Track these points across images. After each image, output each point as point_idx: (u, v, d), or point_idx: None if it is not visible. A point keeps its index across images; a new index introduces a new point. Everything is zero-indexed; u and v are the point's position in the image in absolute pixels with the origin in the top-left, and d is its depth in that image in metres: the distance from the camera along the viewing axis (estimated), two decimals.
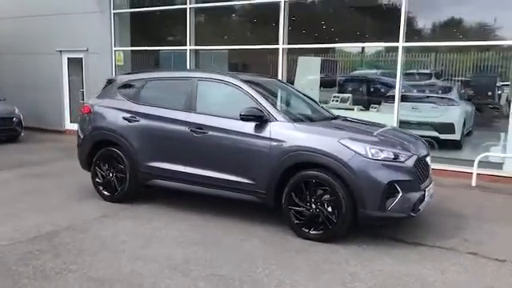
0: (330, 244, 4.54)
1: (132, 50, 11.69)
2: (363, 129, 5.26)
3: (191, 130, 5.25)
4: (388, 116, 8.38)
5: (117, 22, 11.51)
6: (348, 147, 4.48)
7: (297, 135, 4.75)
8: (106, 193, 5.94)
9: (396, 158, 4.49)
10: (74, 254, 4.18)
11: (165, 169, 5.48)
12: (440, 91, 10.06)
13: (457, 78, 9.61)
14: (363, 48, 10.27)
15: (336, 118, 5.73)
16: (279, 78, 9.15)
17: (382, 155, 4.45)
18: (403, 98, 8.74)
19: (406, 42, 8.25)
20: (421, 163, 4.74)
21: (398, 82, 8.40)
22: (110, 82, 6.33)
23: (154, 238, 4.66)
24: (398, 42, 8.27)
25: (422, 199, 4.63)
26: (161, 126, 5.52)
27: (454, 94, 9.85)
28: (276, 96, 5.54)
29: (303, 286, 3.66)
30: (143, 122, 5.63)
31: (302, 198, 4.68)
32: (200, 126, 5.22)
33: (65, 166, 8.22)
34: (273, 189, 4.82)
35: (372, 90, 10.74)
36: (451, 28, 9.17)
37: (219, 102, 5.50)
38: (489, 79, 10.12)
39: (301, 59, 9.75)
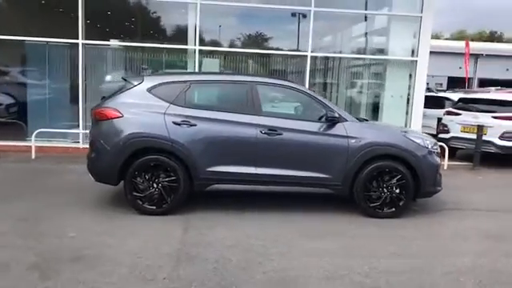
0: (398, 219, 5.68)
1: None
2: (398, 127, 6.54)
3: (264, 133, 5.46)
4: None
5: None
6: (413, 140, 5.72)
7: (370, 132, 5.70)
8: (148, 206, 5.41)
9: (434, 146, 5.97)
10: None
11: (232, 172, 5.48)
12: None
13: None
14: None
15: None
16: None
17: (430, 145, 5.87)
18: None
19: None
20: None
21: (307, 82, 9.89)
22: (130, 82, 5.66)
23: (294, 247, 4.73)
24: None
25: None
26: (225, 130, 5.47)
27: None
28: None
29: (444, 241, 4.79)
30: (202, 126, 5.43)
31: (374, 184, 5.65)
32: (273, 128, 5.49)
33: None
34: (349, 180, 5.61)
35: None
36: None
37: (285, 105, 5.83)
38: None
39: (205, 60, 10.08)
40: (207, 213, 5.57)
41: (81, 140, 9.59)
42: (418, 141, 5.75)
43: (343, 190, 5.65)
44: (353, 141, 5.56)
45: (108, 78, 10.10)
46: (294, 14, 10.29)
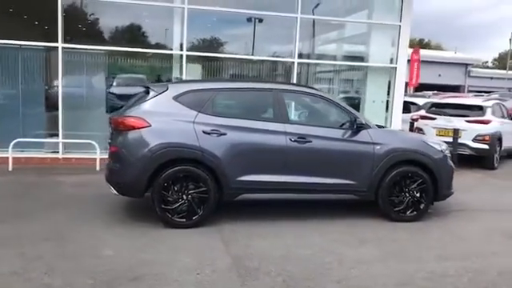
0: (419, 222, 5.84)
1: None
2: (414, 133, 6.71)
3: (294, 140, 5.43)
4: None
5: None
6: (431, 146, 5.93)
7: (392, 138, 5.85)
8: (178, 219, 5.19)
9: (446, 150, 6.21)
10: None
11: (262, 181, 5.39)
12: None
13: None
14: None
15: None
16: None
17: (445, 149, 6.11)
18: None
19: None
20: None
21: None
22: (153, 90, 5.41)
23: (347, 256, 4.81)
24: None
25: None
26: (254, 138, 5.37)
27: None
28: None
29: (468, 238, 5.02)
30: (232, 134, 5.30)
31: (397, 189, 5.78)
32: (302, 136, 5.47)
33: None
34: (375, 185, 5.71)
35: None
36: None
37: (311, 113, 5.84)
38: None
39: (189, 65, 9.84)
40: (235, 223, 5.44)
41: (60, 150, 9.01)
42: (435, 146, 5.97)
43: (369, 195, 5.74)
44: (378, 147, 5.66)
45: (55, 82, 9.53)
46: (249, 19, 10.28)
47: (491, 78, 47.36)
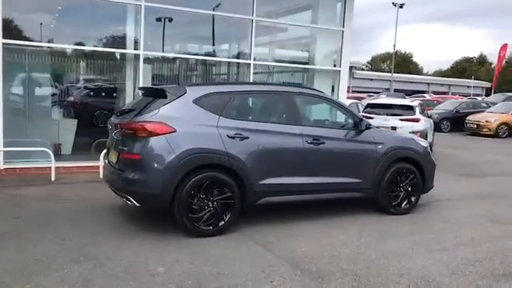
0: (415, 214, 6.30)
1: None
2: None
3: (310, 142, 5.53)
4: None
5: None
6: (420, 143, 6.46)
7: (389, 138, 6.24)
8: (204, 227, 4.99)
9: (428, 146, 6.80)
10: None
11: (283, 183, 5.41)
12: None
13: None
14: None
15: None
16: (140, 84, 8.71)
17: (428, 146, 6.69)
18: None
19: None
20: None
21: None
22: (171, 93, 5.12)
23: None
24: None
25: None
26: (275, 141, 5.37)
27: None
28: None
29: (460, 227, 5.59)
30: (254, 138, 5.23)
31: (392, 184, 6.20)
32: (316, 137, 5.60)
33: None
34: (377, 183, 6.05)
35: None
36: None
37: (322, 115, 5.95)
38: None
39: (143, 66, 9.35)
40: (258, 227, 5.35)
41: (1, 160, 7.97)
42: (422, 143, 6.51)
43: (372, 192, 6.05)
44: (380, 146, 6.01)
45: None
46: (159, 19, 10.11)
47: (371, 80, 51.94)
